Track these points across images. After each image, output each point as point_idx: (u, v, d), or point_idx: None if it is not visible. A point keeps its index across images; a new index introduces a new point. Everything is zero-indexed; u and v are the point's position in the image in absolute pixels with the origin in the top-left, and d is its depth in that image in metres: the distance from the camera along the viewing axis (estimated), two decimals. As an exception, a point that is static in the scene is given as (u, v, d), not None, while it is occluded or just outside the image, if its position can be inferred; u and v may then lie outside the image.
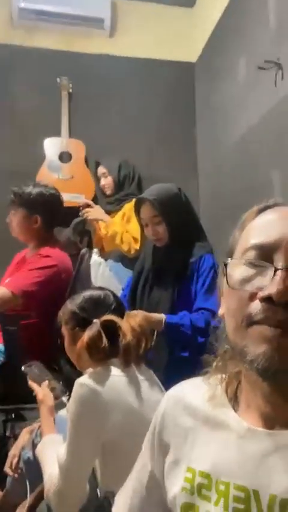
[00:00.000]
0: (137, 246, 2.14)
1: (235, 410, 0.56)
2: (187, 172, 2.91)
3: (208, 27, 2.82)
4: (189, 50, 3.07)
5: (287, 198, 0.60)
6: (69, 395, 1.13)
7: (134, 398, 1.08)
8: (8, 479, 1.39)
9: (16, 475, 1.35)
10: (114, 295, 1.26)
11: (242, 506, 0.50)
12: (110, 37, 3.02)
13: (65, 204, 2.13)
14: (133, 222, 1.93)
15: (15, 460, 1.35)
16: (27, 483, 1.31)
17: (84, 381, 1.04)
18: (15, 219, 1.95)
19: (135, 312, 1.34)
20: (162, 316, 1.50)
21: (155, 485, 0.63)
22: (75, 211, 2.53)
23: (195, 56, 3.06)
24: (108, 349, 1.10)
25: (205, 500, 0.53)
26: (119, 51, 2.98)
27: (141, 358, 1.17)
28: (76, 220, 2.37)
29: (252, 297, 0.50)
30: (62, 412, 1.32)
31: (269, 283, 0.49)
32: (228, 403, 0.57)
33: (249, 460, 0.51)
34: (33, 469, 1.27)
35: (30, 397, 1.34)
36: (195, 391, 0.61)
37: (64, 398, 1.35)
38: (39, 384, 1.34)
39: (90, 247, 2.32)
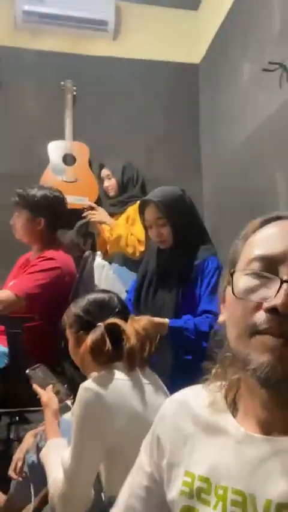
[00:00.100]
0: (142, 249, 2.14)
1: (234, 416, 0.57)
2: (191, 174, 2.90)
3: (212, 29, 2.82)
4: (193, 52, 3.06)
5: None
6: (74, 399, 1.12)
7: (138, 402, 1.08)
8: (12, 483, 1.39)
9: (20, 479, 1.34)
10: (119, 298, 1.25)
11: (239, 510, 0.51)
12: (113, 40, 3.02)
13: (69, 207, 2.14)
14: (138, 224, 1.93)
15: (19, 464, 1.35)
16: (32, 487, 1.31)
17: (88, 385, 1.04)
18: (19, 221, 1.96)
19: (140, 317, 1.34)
20: (166, 320, 1.49)
21: (155, 487, 0.63)
22: (79, 213, 2.53)
23: (199, 57, 3.06)
24: (112, 353, 1.10)
25: (204, 504, 0.54)
26: (123, 54, 2.99)
27: (145, 361, 1.16)
28: (80, 222, 2.38)
29: (256, 307, 0.52)
30: (67, 416, 1.32)
31: (274, 295, 0.50)
32: (227, 409, 0.58)
33: (246, 465, 0.53)
34: (37, 473, 1.26)
35: (34, 400, 1.34)
36: (196, 397, 0.62)
37: (68, 402, 1.35)
38: (44, 387, 1.34)
39: (93, 249, 2.32)
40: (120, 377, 1.09)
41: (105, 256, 2.23)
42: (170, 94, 3.01)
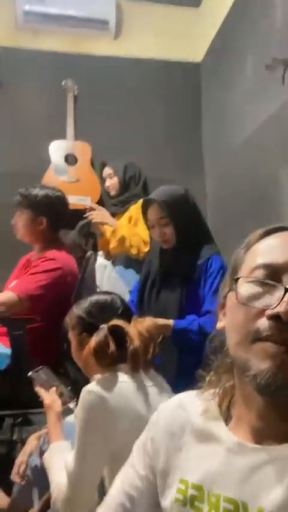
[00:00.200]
0: (147, 249, 2.12)
1: (227, 424, 0.58)
2: (193, 173, 2.89)
3: (214, 26, 2.80)
4: (195, 50, 3.05)
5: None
6: (77, 401, 1.11)
7: (142, 404, 1.06)
8: (15, 487, 1.37)
9: (23, 483, 1.33)
10: (121, 300, 1.24)
11: None
12: (115, 39, 3.01)
13: (71, 207, 2.12)
14: (141, 224, 1.91)
15: (22, 467, 1.34)
16: (35, 491, 1.29)
17: (91, 388, 1.03)
18: (20, 221, 1.95)
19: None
20: (170, 321, 1.48)
21: (147, 488, 0.64)
22: (81, 214, 2.52)
23: (201, 55, 3.04)
24: (116, 355, 1.09)
25: None
26: (124, 53, 2.97)
27: (149, 363, 1.15)
28: (81, 223, 2.37)
29: (259, 313, 0.52)
30: (70, 418, 1.30)
31: (277, 302, 0.50)
32: (220, 417, 0.59)
33: (238, 473, 0.53)
34: (40, 477, 1.25)
35: (37, 402, 1.33)
36: (191, 404, 0.62)
37: (71, 405, 1.34)
38: (47, 389, 1.32)
39: (95, 249, 2.31)
40: (124, 379, 1.07)
41: (108, 256, 2.22)
42: (172, 93, 3.00)
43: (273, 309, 0.50)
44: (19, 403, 1.70)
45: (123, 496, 0.64)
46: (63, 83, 2.86)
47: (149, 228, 1.72)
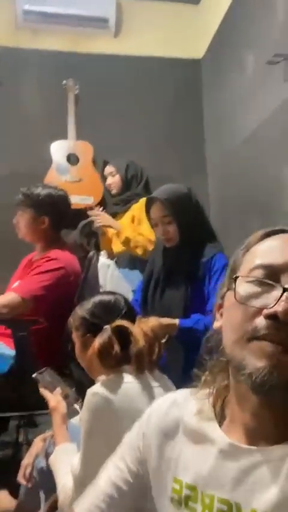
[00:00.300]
0: (152, 248, 2.12)
1: (220, 425, 0.58)
2: (195, 171, 2.87)
3: (214, 22, 2.78)
4: (195, 47, 3.03)
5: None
6: (82, 402, 1.10)
7: (147, 406, 1.04)
8: (22, 489, 1.37)
9: (30, 485, 1.32)
10: (125, 300, 1.23)
11: None
12: (115, 37, 3.00)
13: (74, 206, 2.11)
14: (145, 223, 1.90)
15: (28, 470, 1.33)
16: (41, 493, 1.29)
17: (96, 390, 1.02)
18: (22, 220, 1.94)
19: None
20: (175, 321, 1.47)
21: (136, 481, 0.64)
22: (83, 214, 2.51)
23: (202, 52, 3.02)
24: (120, 356, 1.07)
25: None
26: (125, 51, 2.96)
27: (154, 364, 1.13)
28: (83, 222, 2.36)
29: (257, 313, 0.52)
30: (75, 420, 1.29)
31: (275, 302, 0.51)
32: (214, 417, 0.59)
33: (231, 474, 0.53)
34: (47, 479, 1.24)
35: (42, 403, 1.32)
36: (185, 403, 0.63)
37: (77, 406, 1.33)
38: (51, 391, 1.32)
39: (97, 249, 2.30)
40: (128, 380, 1.06)
41: (110, 255, 2.21)
42: (172, 90, 2.98)
43: (270, 308, 0.51)
44: (24, 404, 1.69)
45: (111, 488, 0.64)
46: (63, 83, 2.85)
47: (152, 226, 1.71)
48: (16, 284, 1.85)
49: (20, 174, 2.57)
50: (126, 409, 1.02)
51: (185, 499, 0.56)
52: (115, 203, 2.57)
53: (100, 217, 2.36)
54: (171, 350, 1.38)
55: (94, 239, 2.48)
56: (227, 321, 0.57)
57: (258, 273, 0.55)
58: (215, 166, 2.88)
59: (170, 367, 1.32)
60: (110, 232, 2.38)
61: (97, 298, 1.21)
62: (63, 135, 2.79)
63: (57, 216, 1.95)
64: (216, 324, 0.61)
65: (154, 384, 1.11)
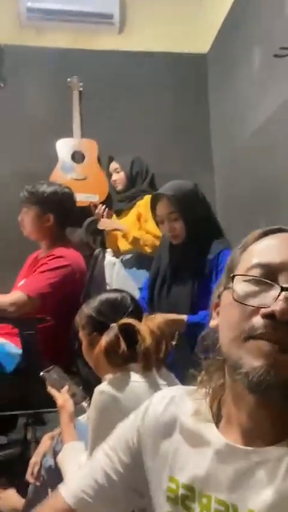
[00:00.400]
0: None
1: (217, 425, 0.58)
2: (201, 167, 2.85)
3: (219, 16, 2.75)
4: (201, 41, 3.00)
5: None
6: (90, 400, 1.10)
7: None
8: (30, 488, 1.37)
9: (38, 483, 1.32)
10: (131, 297, 1.22)
11: None
12: (119, 33, 2.98)
13: (79, 204, 2.11)
14: (151, 220, 1.90)
15: (36, 468, 1.33)
16: (50, 491, 1.28)
17: (103, 388, 1.01)
18: (27, 218, 1.94)
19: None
20: (183, 317, 1.46)
21: (127, 472, 0.64)
22: (88, 211, 2.51)
23: (207, 46, 2.99)
24: (127, 354, 1.07)
25: (189, 511, 0.56)
26: (129, 47, 2.94)
27: (161, 362, 1.12)
28: (88, 220, 2.35)
29: (254, 312, 0.52)
30: (83, 418, 1.29)
31: (272, 301, 0.51)
32: (211, 418, 0.59)
33: (227, 475, 0.53)
34: (55, 477, 1.24)
35: (50, 401, 1.32)
36: (182, 402, 0.63)
37: (84, 404, 1.32)
38: (59, 389, 1.31)
39: (103, 247, 2.29)
40: (136, 379, 1.06)
41: (116, 253, 2.20)
42: (178, 86, 2.96)
43: (268, 307, 0.51)
44: (32, 402, 1.69)
45: (101, 476, 0.64)
46: (68, 80, 2.84)
47: (158, 223, 1.70)
48: (22, 282, 1.84)
49: (24, 173, 2.57)
50: (133, 407, 1.00)
51: (182, 498, 0.57)
52: (120, 200, 2.56)
53: (104, 223, 2.35)
54: (179, 347, 1.37)
55: (100, 237, 2.47)
56: (224, 320, 0.57)
57: (256, 272, 0.55)
58: (222, 162, 2.86)
59: (177, 364, 1.31)
60: (119, 238, 2.37)
61: (103, 296, 1.21)
62: (68, 133, 2.78)
63: (63, 214, 1.95)
64: (212, 323, 0.61)
65: (161, 382, 1.10)
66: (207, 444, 0.56)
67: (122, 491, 0.64)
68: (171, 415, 0.62)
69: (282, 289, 0.51)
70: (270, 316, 0.50)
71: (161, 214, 1.64)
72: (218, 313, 0.60)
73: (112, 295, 1.21)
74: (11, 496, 1.50)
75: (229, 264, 0.61)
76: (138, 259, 2.24)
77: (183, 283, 1.62)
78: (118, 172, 2.57)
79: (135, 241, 2.19)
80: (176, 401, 0.64)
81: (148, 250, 2.16)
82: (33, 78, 2.84)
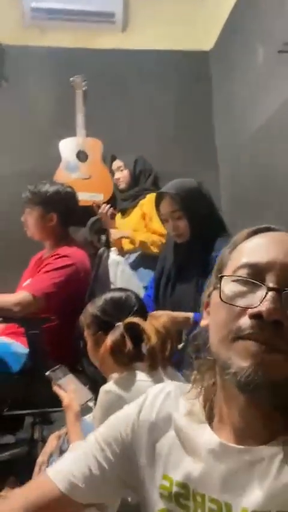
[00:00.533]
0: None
1: (210, 424, 0.59)
2: (205, 166, 2.83)
3: (223, 13, 2.73)
4: (204, 39, 2.98)
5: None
6: (95, 400, 1.10)
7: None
8: (37, 486, 1.37)
9: (45, 482, 1.32)
10: (136, 296, 1.22)
11: None
12: (122, 31, 2.97)
13: (84, 203, 2.10)
14: (156, 219, 1.90)
15: (43, 467, 1.33)
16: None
17: (109, 388, 1.01)
18: (30, 218, 1.94)
19: (159, 312, 1.30)
20: (189, 315, 1.45)
21: (117, 462, 0.63)
22: (91, 210, 2.50)
23: (210, 44, 2.98)
24: (133, 353, 1.06)
25: (183, 509, 0.57)
26: (132, 45, 2.93)
27: (167, 360, 1.12)
28: (92, 219, 2.35)
29: (241, 312, 0.53)
30: (89, 418, 1.29)
31: (259, 301, 0.51)
32: (204, 417, 0.60)
33: (220, 474, 0.54)
34: (61, 476, 1.24)
35: (56, 400, 1.32)
36: (176, 400, 0.63)
37: (90, 403, 1.32)
38: (65, 389, 1.31)
39: (107, 246, 2.29)
40: (142, 378, 1.06)
41: (121, 252, 2.20)
42: (181, 83, 2.95)
43: (255, 308, 0.51)
44: (39, 401, 1.70)
45: (93, 463, 0.64)
46: (71, 79, 2.84)
47: (162, 222, 1.69)
48: (27, 282, 1.85)
49: (28, 173, 2.57)
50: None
51: (175, 496, 0.57)
52: (123, 199, 2.56)
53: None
54: (185, 346, 1.37)
55: (104, 236, 2.47)
56: (212, 320, 0.57)
57: (243, 272, 0.55)
58: (225, 160, 2.85)
59: (184, 363, 1.30)
60: (120, 226, 2.36)
61: (108, 295, 1.20)
62: (71, 132, 2.78)
63: (65, 213, 1.95)
64: (203, 322, 0.61)
65: (167, 381, 1.10)
66: (201, 443, 0.57)
67: (112, 480, 0.64)
68: (167, 411, 0.63)
69: (269, 289, 0.51)
70: (257, 317, 0.51)
71: (165, 213, 1.64)
72: (208, 313, 0.60)
73: (117, 294, 1.21)
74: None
75: (218, 263, 0.62)
76: (143, 259, 2.23)
77: (187, 282, 1.61)
78: (121, 170, 2.57)
79: (142, 244, 2.20)
80: (171, 397, 0.64)
81: (155, 250, 2.16)
82: (36, 78, 2.84)
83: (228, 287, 0.55)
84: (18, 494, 0.64)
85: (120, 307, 1.16)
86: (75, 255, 1.88)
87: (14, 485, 1.60)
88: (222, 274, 0.57)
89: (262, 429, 0.54)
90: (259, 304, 0.51)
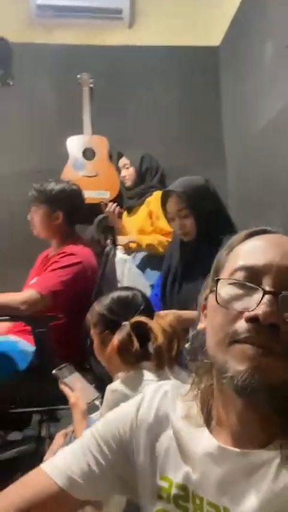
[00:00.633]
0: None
1: (208, 426, 0.58)
2: (213, 163, 2.82)
3: (231, 9, 2.71)
4: (212, 34, 2.96)
5: None
6: (102, 398, 1.10)
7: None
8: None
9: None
10: (143, 295, 1.22)
11: None
12: (129, 27, 2.95)
13: (91, 201, 2.10)
14: (163, 217, 1.89)
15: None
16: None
17: (116, 387, 1.01)
18: (37, 216, 1.95)
19: (166, 311, 1.29)
20: (195, 313, 1.44)
21: (115, 459, 0.63)
22: (98, 208, 2.50)
23: (219, 39, 2.95)
24: (140, 352, 1.06)
25: (182, 511, 0.56)
26: (140, 41, 2.92)
27: (174, 360, 1.12)
28: (99, 217, 2.35)
29: (238, 316, 0.52)
30: (95, 416, 1.29)
31: (256, 305, 0.51)
32: (202, 420, 0.59)
33: (218, 478, 0.54)
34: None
35: (63, 398, 1.33)
36: (173, 402, 0.62)
37: (97, 402, 1.32)
38: (71, 387, 1.32)
39: (114, 244, 2.29)
40: (148, 377, 1.05)
41: (127, 250, 2.20)
42: (189, 80, 2.93)
43: (251, 311, 0.51)
44: (46, 399, 1.70)
45: (91, 458, 0.63)
46: (78, 77, 2.84)
47: (168, 220, 1.68)
48: (34, 281, 1.85)
49: (35, 171, 2.57)
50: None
51: (175, 497, 0.57)
52: (130, 197, 2.55)
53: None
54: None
55: (110, 234, 2.46)
56: (209, 323, 0.57)
57: (240, 275, 0.55)
58: (234, 157, 2.83)
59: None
60: (126, 224, 2.36)
61: (115, 294, 1.20)
62: (78, 130, 2.78)
63: (71, 211, 1.95)
64: (200, 325, 0.61)
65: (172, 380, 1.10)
66: (200, 447, 0.56)
67: (109, 476, 0.63)
68: (165, 410, 0.62)
69: (266, 292, 0.51)
70: (253, 320, 0.51)
71: (171, 211, 1.63)
72: (205, 316, 0.60)
73: (123, 293, 1.20)
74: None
75: (215, 265, 0.61)
76: (150, 260, 2.23)
77: (193, 280, 1.60)
78: (127, 168, 2.56)
79: (149, 247, 2.20)
80: (168, 397, 0.64)
81: (162, 250, 2.15)
82: (43, 76, 2.84)
83: (225, 290, 0.55)
84: (12, 491, 0.62)
85: (127, 306, 1.16)
86: (82, 253, 1.87)
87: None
88: (219, 277, 0.57)
89: (260, 432, 0.54)
90: (255, 308, 0.51)
